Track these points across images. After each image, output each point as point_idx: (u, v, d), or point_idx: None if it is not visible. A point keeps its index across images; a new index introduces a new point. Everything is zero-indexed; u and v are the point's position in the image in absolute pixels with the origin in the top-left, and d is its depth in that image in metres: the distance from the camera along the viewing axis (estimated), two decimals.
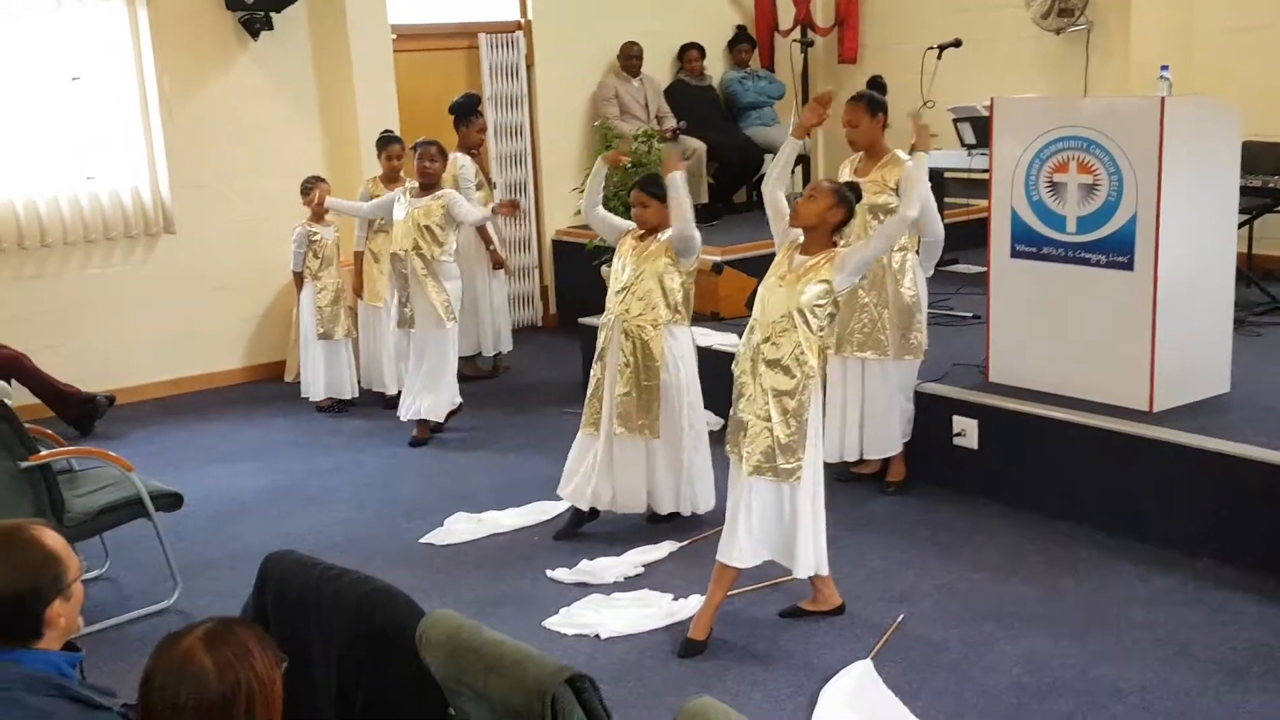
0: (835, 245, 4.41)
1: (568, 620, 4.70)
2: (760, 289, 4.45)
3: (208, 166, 7.90)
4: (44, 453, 4.67)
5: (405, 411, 6.79)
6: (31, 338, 7.27)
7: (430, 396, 6.72)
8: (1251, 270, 7.29)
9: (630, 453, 5.32)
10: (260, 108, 8.11)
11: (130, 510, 4.82)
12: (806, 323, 4.25)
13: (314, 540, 5.47)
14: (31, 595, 2.27)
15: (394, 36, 8.38)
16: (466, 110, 7.73)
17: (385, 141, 7.41)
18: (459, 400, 6.85)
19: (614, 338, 5.28)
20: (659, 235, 5.21)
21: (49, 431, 5.28)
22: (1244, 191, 5.91)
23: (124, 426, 7.29)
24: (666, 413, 5.28)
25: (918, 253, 5.59)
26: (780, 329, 4.28)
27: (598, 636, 4.57)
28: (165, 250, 7.91)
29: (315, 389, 7.50)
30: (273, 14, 7.92)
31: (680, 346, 5.30)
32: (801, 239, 4.42)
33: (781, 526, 4.38)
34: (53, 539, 2.35)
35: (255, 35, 7.97)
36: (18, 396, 6.45)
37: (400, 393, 6.98)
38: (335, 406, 7.50)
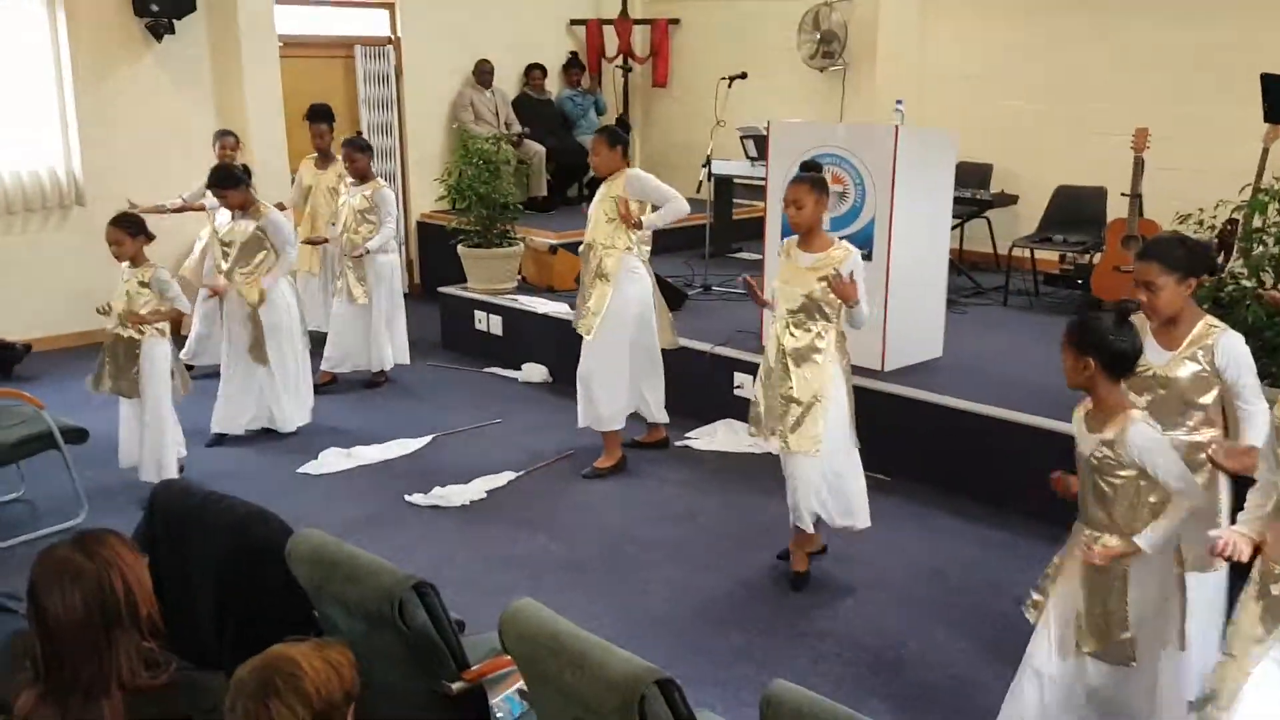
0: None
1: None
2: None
3: (115, 150, 7.43)
4: None
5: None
6: None
7: None
8: (962, 262, 7.61)
9: None
10: (162, 101, 7.67)
11: (42, 442, 4.59)
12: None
13: (206, 470, 5.23)
14: None
15: (280, 44, 8.00)
16: (318, 116, 7.18)
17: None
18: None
19: None
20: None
21: None
22: (957, 201, 6.14)
23: (38, 370, 6.86)
24: None
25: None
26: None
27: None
28: (76, 220, 7.42)
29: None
30: (174, 20, 7.52)
31: None
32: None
33: None
34: None
35: (159, 38, 7.55)
36: None
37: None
38: None
